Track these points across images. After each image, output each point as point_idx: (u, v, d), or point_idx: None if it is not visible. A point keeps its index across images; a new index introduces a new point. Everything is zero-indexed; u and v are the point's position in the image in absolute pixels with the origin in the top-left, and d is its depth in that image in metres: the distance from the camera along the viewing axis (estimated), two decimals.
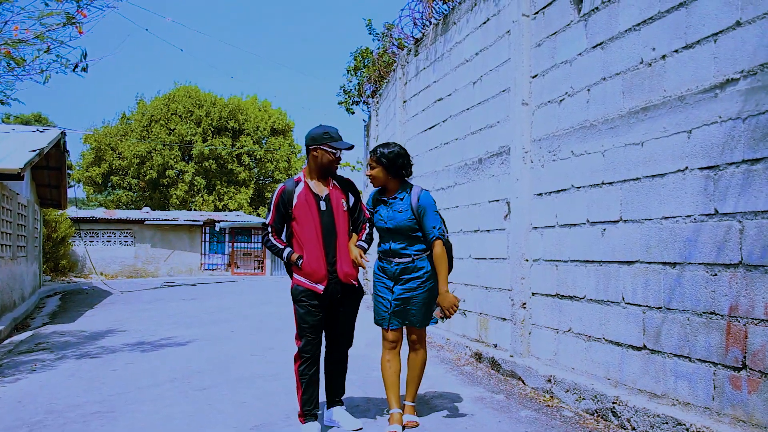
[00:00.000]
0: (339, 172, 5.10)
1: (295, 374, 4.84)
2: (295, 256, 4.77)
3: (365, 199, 5.72)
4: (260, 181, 45.28)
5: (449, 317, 4.82)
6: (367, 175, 5.06)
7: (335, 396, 5.10)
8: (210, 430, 5.04)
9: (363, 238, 4.97)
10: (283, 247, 4.84)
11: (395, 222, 4.88)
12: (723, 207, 4.17)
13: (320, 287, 4.72)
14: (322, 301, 4.76)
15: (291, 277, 4.89)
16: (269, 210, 4.88)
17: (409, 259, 4.89)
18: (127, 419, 5.39)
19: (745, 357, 3.99)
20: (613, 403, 4.95)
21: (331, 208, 4.80)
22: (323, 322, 4.87)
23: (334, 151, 4.78)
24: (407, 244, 4.91)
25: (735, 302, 4.07)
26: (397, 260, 4.91)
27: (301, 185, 4.82)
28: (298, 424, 4.87)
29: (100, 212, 31.57)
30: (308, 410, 4.79)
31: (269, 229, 4.88)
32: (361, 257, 4.86)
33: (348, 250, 4.85)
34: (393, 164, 4.91)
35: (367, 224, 5.04)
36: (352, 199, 4.99)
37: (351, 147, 4.89)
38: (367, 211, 5.08)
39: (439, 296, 4.83)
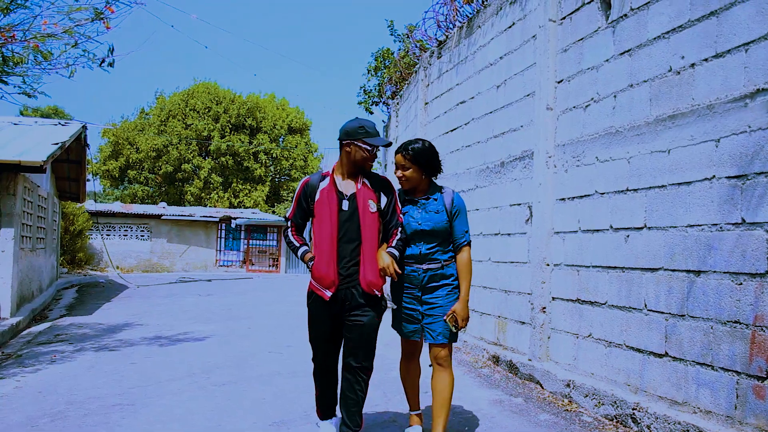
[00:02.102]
0: None
1: (313, 377, 4.61)
2: (308, 255, 4.37)
3: None
4: (276, 180, 45.40)
5: (460, 329, 4.44)
6: (398, 177, 4.52)
7: (345, 427, 4.39)
8: (230, 425, 5.08)
9: (394, 245, 4.37)
10: (299, 245, 4.48)
11: (432, 224, 4.42)
12: (750, 216, 4.16)
13: (328, 293, 4.25)
14: (330, 309, 4.31)
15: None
16: (292, 203, 4.49)
17: (439, 265, 4.44)
18: (147, 412, 5.43)
19: None
20: (633, 409, 4.95)
21: (355, 209, 4.27)
22: (331, 333, 4.40)
23: (369, 148, 4.26)
24: (439, 249, 4.46)
25: (760, 312, 4.06)
26: (426, 266, 4.43)
27: (327, 180, 4.36)
28: (315, 420, 4.88)
29: (117, 206, 31.75)
30: (325, 408, 4.59)
31: (289, 224, 4.53)
32: (394, 267, 4.26)
33: (375, 257, 4.29)
34: (429, 163, 4.49)
35: (400, 229, 4.43)
36: (384, 200, 4.39)
37: (389, 144, 4.52)
38: (401, 215, 4.49)
39: (459, 304, 4.41)
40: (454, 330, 4.41)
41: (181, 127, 40.77)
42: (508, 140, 7.64)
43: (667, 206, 4.92)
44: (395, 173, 4.50)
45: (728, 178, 4.35)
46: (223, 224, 31.98)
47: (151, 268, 29.95)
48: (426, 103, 11.05)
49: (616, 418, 5.15)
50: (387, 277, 4.34)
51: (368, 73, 20.18)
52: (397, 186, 4.56)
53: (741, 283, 4.21)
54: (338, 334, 4.41)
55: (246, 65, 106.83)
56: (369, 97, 20.01)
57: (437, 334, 4.41)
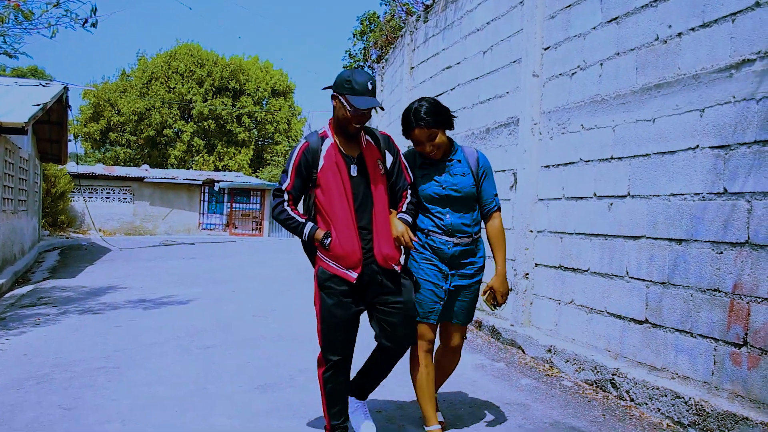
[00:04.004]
0: None
1: (318, 381, 3.85)
2: (320, 233, 3.65)
3: None
4: (260, 143, 45.16)
5: (500, 305, 4.07)
6: (428, 152, 3.88)
7: (360, 390, 4.04)
8: (215, 388, 5.12)
9: (405, 209, 3.86)
10: (303, 221, 3.71)
11: (459, 188, 3.87)
12: (732, 186, 4.21)
13: (353, 274, 3.62)
14: (353, 292, 3.68)
15: (311, 258, 3.88)
16: (286, 173, 3.71)
17: (470, 240, 3.91)
18: (133, 375, 5.47)
19: (746, 334, 4.06)
20: (613, 374, 5.04)
21: (366, 173, 3.70)
22: (353, 321, 3.75)
23: (350, 108, 3.54)
24: (470, 219, 3.92)
25: (739, 280, 4.13)
26: (456, 239, 3.87)
27: (329, 142, 3.69)
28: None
29: (99, 168, 31.51)
30: (336, 424, 3.84)
31: (285, 197, 3.72)
32: (409, 234, 3.75)
33: (389, 225, 3.74)
34: (448, 118, 3.94)
35: (409, 191, 3.89)
36: (389, 159, 3.83)
37: (373, 108, 3.62)
38: (409, 174, 3.92)
39: (497, 279, 3.96)
40: (493, 309, 4.10)
41: (164, 91, 40.34)
42: (494, 106, 7.64)
43: (651, 175, 4.96)
44: (423, 150, 3.87)
45: (712, 148, 4.38)
46: (207, 187, 31.84)
47: (134, 230, 29.84)
48: (412, 68, 11.00)
49: (596, 383, 5.24)
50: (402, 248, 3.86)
51: (354, 37, 20.06)
52: (402, 146, 4.02)
53: (721, 252, 4.27)
54: (356, 321, 3.79)
55: (230, 28, 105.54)
56: (354, 61, 19.90)
57: (462, 314, 4.01)
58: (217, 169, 39.90)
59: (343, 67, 20.26)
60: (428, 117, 3.78)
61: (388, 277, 3.72)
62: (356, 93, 3.53)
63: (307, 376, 5.37)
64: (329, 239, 3.62)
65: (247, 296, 10.34)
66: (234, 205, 32.51)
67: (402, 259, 3.90)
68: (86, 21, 7.86)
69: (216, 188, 31.42)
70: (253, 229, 32.53)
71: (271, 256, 18.70)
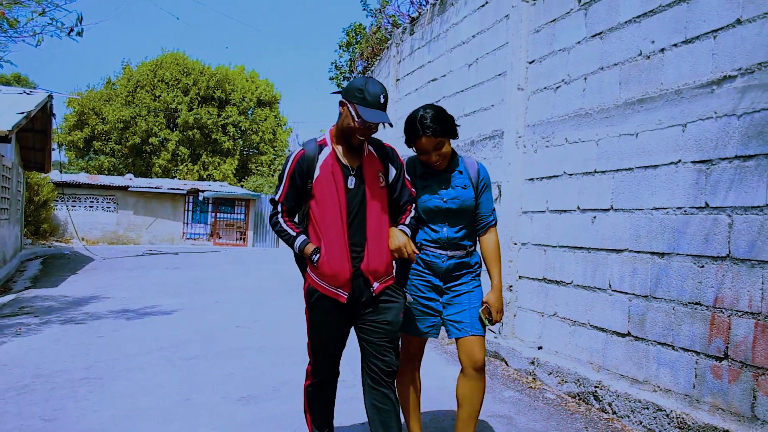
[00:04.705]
0: None
1: (303, 392, 3.77)
2: (310, 248, 3.42)
3: None
4: (245, 153, 45.08)
5: (495, 322, 3.80)
6: (434, 162, 3.66)
7: None
8: (199, 399, 5.10)
9: (407, 222, 3.60)
10: (295, 234, 3.48)
11: (459, 201, 3.68)
12: (713, 201, 4.26)
13: (343, 294, 3.39)
14: (342, 310, 3.45)
15: (302, 271, 3.61)
16: (280, 181, 3.52)
17: (464, 252, 3.73)
18: (115, 386, 5.43)
19: (727, 347, 4.10)
20: (596, 387, 5.06)
21: (362, 186, 3.44)
22: (341, 338, 3.57)
23: (357, 120, 3.31)
24: (466, 232, 3.75)
25: (720, 294, 4.17)
26: (451, 253, 3.69)
27: (327, 151, 3.46)
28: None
29: (83, 177, 31.28)
30: (318, 426, 3.76)
31: (279, 208, 3.53)
32: (412, 247, 3.47)
33: (383, 241, 3.47)
34: (454, 128, 3.69)
35: (413, 206, 3.66)
36: (392, 172, 3.58)
37: (379, 124, 3.37)
38: (412, 189, 3.69)
39: (492, 294, 3.75)
40: (488, 324, 3.75)
41: (149, 99, 40.22)
42: (479, 119, 7.68)
43: (634, 189, 5.00)
44: (428, 159, 3.65)
45: (693, 162, 4.44)
46: (191, 197, 31.69)
47: (117, 240, 29.64)
48: (397, 80, 11.04)
49: (578, 396, 5.26)
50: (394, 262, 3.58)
51: (340, 48, 20.07)
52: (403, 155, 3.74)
53: (703, 266, 4.32)
54: (344, 337, 3.59)
55: (217, 38, 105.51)
56: (340, 72, 19.91)
57: (469, 325, 3.66)
58: (201, 179, 39.76)
59: (330, 79, 20.26)
60: (435, 125, 3.54)
61: (374, 294, 3.45)
62: (367, 104, 3.30)
63: (291, 387, 5.36)
64: (318, 255, 3.39)
65: (231, 306, 10.31)
66: (218, 214, 32.35)
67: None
68: (72, 30, 7.85)
69: (200, 198, 31.29)
70: (237, 239, 32.39)
71: (255, 266, 18.64)
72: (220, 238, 32.14)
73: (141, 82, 41.01)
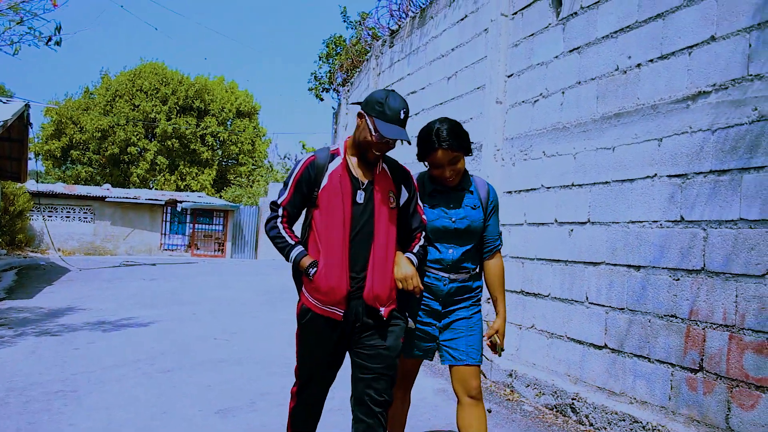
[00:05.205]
0: None
1: (288, 412, 3.52)
2: (307, 260, 3.22)
3: None
4: (223, 163, 44.95)
5: (502, 351, 3.69)
6: (447, 177, 3.49)
7: None
8: (175, 412, 5.06)
9: (415, 251, 3.39)
10: (293, 243, 3.27)
11: (468, 222, 3.50)
12: (689, 214, 4.31)
13: (338, 312, 3.20)
14: (336, 330, 3.25)
15: (297, 289, 3.39)
16: (286, 186, 3.32)
17: (467, 276, 3.53)
18: (91, 399, 5.37)
19: (702, 360, 4.14)
20: (573, 399, 5.09)
21: (371, 203, 3.25)
22: (333, 361, 3.35)
23: (375, 133, 3.17)
24: (471, 255, 3.56)
25: (696, 307, 4.22)
26: (453, 276, 3.49)
27: (338, 161, 3.29)
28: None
29: (59, 187, 31.03)
30: None
31: (280, 212, 3.31)
32: (417, 281, 3.27)
33: (389, 263, 3.27)
34: (469, 144, 3.53)
35: (423, 233, 3.45)
36: (405, 195, 3.40)
37: (398, 141, 3.24)
38: (424, 216, 3.48)
39: (500, 321, 3.59)
40: (499, 354, 3.68)
41: (128, 108, 40.02)
42: None
43: (611, 202, 5.05)
44: (441, 174, 3.49)
45: (669, 176, 4.49)
46: (169, 207, 31.51)
47: (94, 251, 29.39)
48: None
49: (556, 408, 5.28)
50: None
51: (320, 60, 20.12)
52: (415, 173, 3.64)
53: (678, 279, 4.36)
54: (339, 360, 3.39)
55: (196, 49, 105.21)
56: (320, 83, 19.95)
57: (464, 353, 3.46)
58: (179, 189, 39.57)
59: (309, 89, 20.30)
60: (452, 139, 3.38)
61: (373, 317, 3.25)
62: (386, 119, 3.16)
63: (269, 400, 5.33)
64: (314, 269, 3.18)
65: (208, 318, 10.23)
66: (197, 225, 32.19)
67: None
68: (50, 39, 7.81)
69: (179, 208, 31.12)
70: (215, 251, 32.23)
71: (233, 278, 18.54)
72: (198, 249, 31.97)
73: (120, 91, 40.84)
